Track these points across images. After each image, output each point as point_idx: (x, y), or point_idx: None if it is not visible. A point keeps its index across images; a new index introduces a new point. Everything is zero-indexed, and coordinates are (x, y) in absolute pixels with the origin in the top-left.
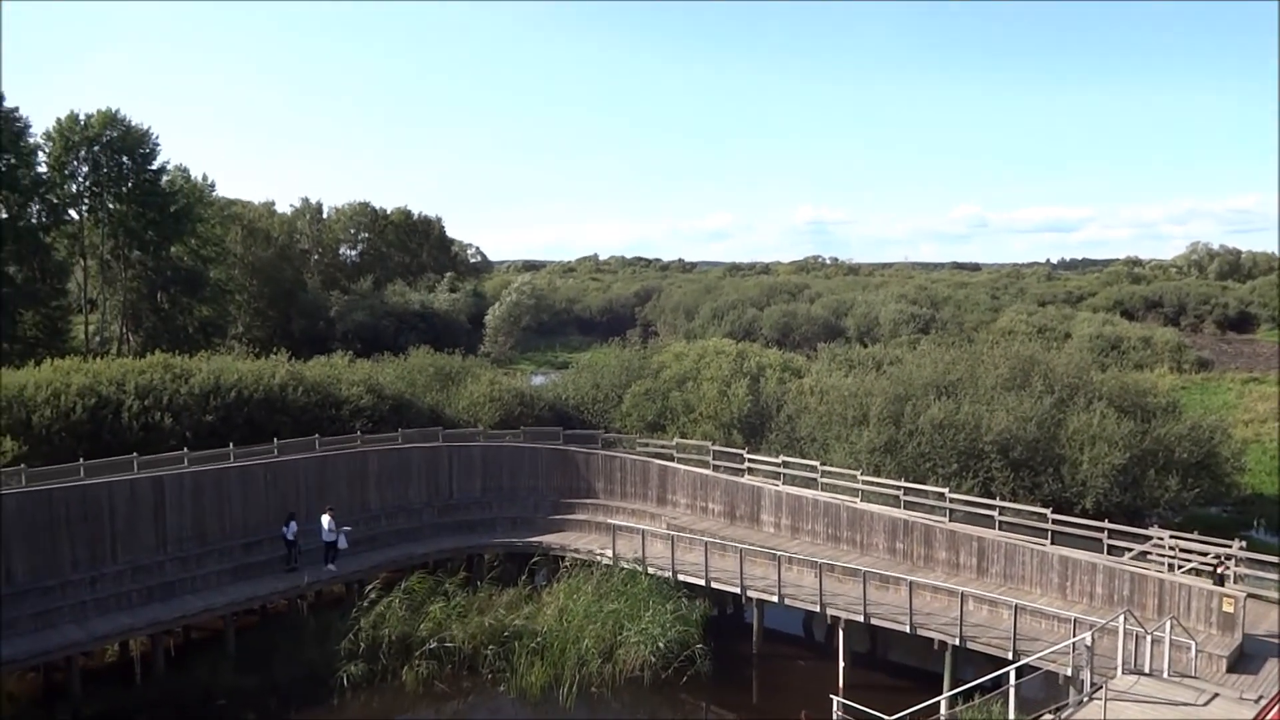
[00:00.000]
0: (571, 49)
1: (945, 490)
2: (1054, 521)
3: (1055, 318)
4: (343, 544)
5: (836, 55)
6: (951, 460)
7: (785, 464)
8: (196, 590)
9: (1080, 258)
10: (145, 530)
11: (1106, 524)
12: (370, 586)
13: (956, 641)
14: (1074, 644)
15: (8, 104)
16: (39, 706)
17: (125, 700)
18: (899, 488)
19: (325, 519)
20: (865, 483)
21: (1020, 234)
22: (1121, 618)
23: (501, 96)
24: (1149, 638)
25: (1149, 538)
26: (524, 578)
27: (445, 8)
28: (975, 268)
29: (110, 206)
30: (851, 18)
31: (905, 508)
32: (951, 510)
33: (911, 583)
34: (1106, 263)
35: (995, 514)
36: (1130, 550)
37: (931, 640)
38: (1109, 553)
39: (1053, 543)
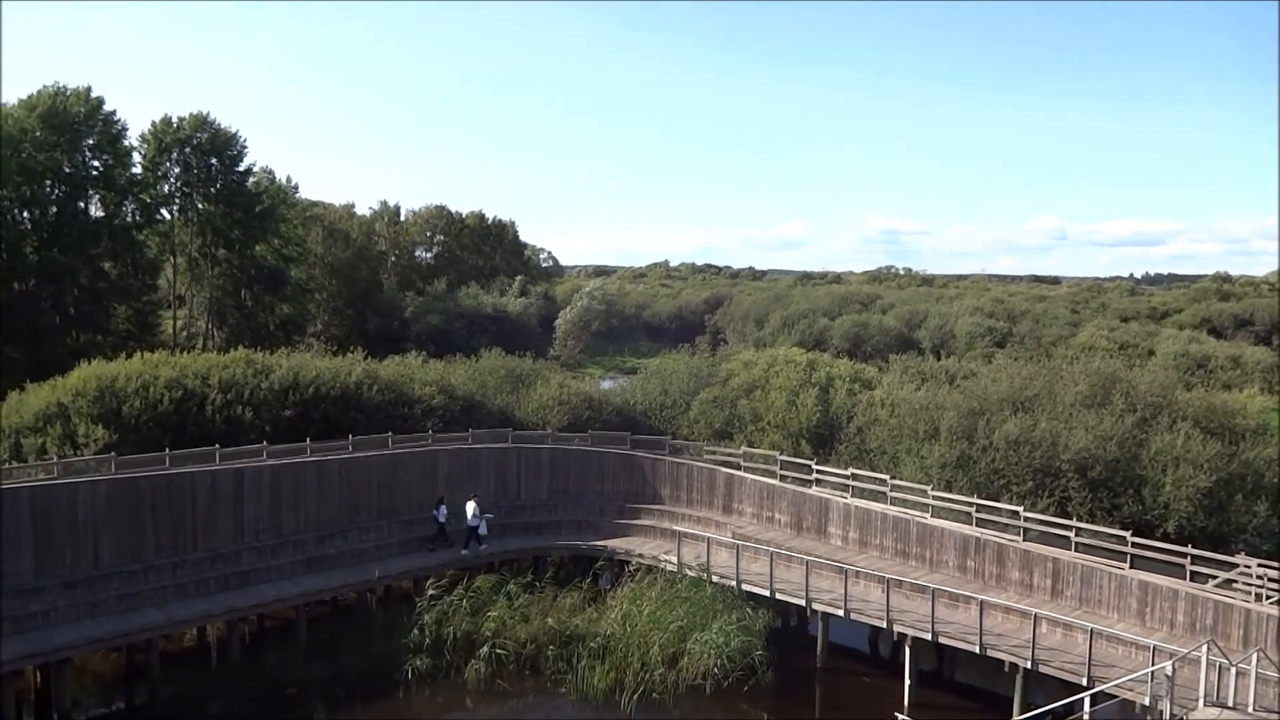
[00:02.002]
0: (646, 60)
1: (1019, 509)
2: (1134, 545)
3: (1138, 334)
4: (483, 530)
5: (914, 66)
6: (1026, 478)
7: (854, 476)
8: (271, 580)
9: (1166, 273)
10: (224, 520)
11: (1190, 549)
12: (437, 583)
13: (1028, 664)
14: (1153, 672)
15: (107, 107)
16: (120, 685)
17: (201, 684)
18: (971, 504)
19: (470, 506)
20: (936, 498)
21: (1102, 247)
22: (1204, 647)
23: (577, 106)
24: (1233, 669)
25: (1235, 565)
26: (588, 581)
27: (521, 20)
28: (1055, 281)
29: (199, 206)
30: (928, 28)
31: (977, 525)
32: (1025, 529)
33: (982, 602)
34: (1194, 278)
35: (1071, 535)
36: (1215, 577)
37: (1002, 662)
38: (1192, 579)
39: (1131, 567)
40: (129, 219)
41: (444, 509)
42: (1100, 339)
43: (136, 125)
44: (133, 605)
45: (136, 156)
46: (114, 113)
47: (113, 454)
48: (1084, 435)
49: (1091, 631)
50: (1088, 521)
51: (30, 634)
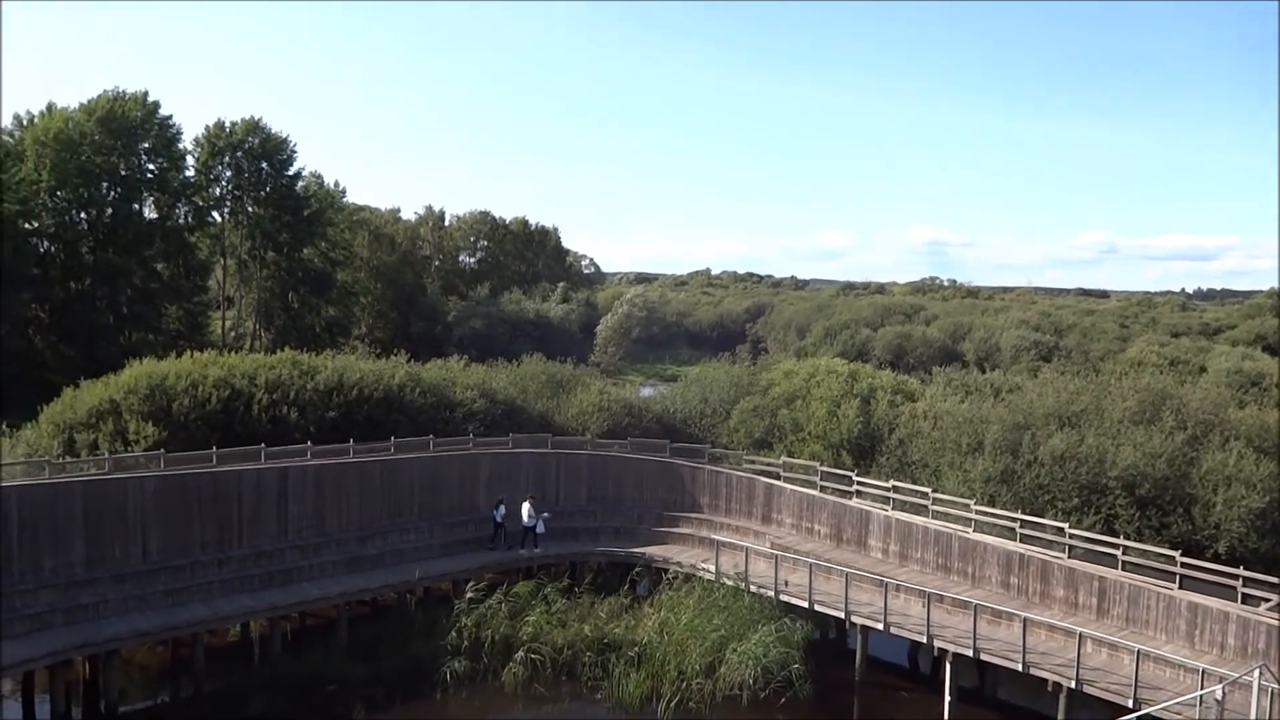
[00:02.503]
0: (690, 68)
1: (1065, 525)
2: (1183, 565)
3: (1190, 350)
4: (540, 529)
5: (963, 77)
6: (1072, 494)
7: (895, 489)
8: (313, 578)
9: (1219, 288)
10: (269, 518)
11: (1242, 571)
12: (475, 586)
13: (1072, 684)
14: (1202, 696)
15: (163, 111)
16: (166, 678)
17: (243, 679)
18: (1015, 519)
19: (526, 506)
20: (979, 512)
21: (1153, 261)
22: (1256, 672)
23: (623, 114)
24: None
25: None
26: (625, 588)
27: (569, 26)
28: (1103, 295)
29: (249, 209)
30: (977, 39)
31: (1021, 541)
32: (1071, 546)
33: (1026, 619)
34: (1248, 294)
35: (1119, 553)
36: (1268, 600)
37: (1045, 681)
38: (1244, 602)
39: (1180, 587)
40: (181, 221)
41: (503, 509)
42: (1150, 354)
43: (190, 129)
44: (179, 600)
45: (190, 160)
46: (169, 117)
47: (162, 451)
48: (1132, 452)
49: (1139, 652)
50: (1135, 540)
51: (82, 625)
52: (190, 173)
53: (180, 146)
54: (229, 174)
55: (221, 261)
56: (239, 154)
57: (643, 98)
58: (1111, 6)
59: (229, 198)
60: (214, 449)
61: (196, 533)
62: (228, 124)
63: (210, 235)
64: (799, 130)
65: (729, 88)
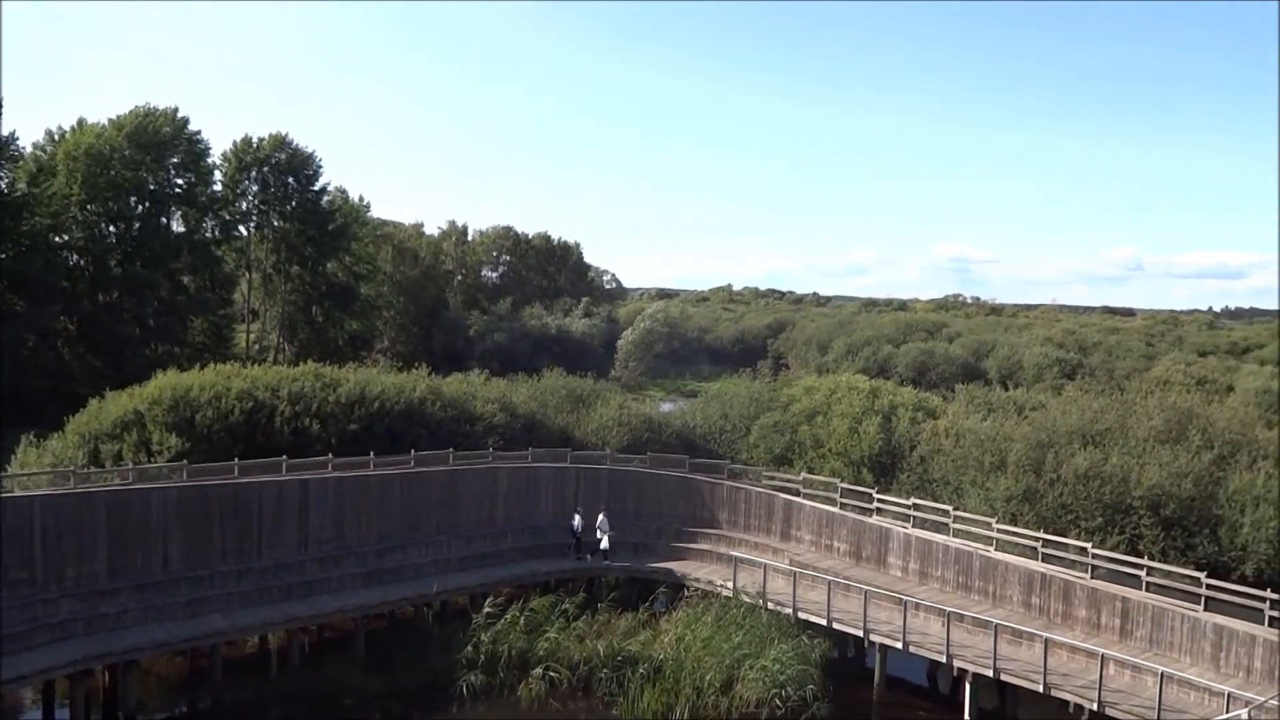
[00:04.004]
0: (715, 87)
1: (1088, 545)
2: (1209, 586)
3: (1217, 369)
4: (605, 544)
5: (990, 95)
6: (1096, 514)
7: (916, 506)
8: (332, 591)
9: (1247, 306)
10: (289, 530)
11: (1269, 593)
12: (493, 601)
13: (1094, 706)
14: None
15: (192, 127)
16: (184, 689)
17: (262, 691)
18: (1037, 539)
19: (601, 518)
20: (1000, 531)
21: (1180, 279)
22: None
23: (649, 131)
24: None
25: None
26: (643, 603)
27: (592, 45)
28: (1129, 313)
29: (275, 223)
30: (1004, 58)
31: (1043, 560)
32: (1094, 567)
33: (1047, 639)
34: (1278, 313)
35: (1143, 574)
36: None
37: (1066, 703)
38: (1270, 624)
39: (1206, 609)
40: (208, 235)
41: (578, 519)
42: (1176, 373)
43: (218, 144)
44: (199, 610)
45: (217, 175)
46: (198, 132)
47: (185, 462)
48: (1157, 471)
49: (1162, 675)
50: (1160, 561)
51: (102, 634)
52: (218, 187)
53: (208, 161)
54: (255, 188)
55: (247, 275)
56: (265, 169)
57: (668, 114)
58: (1142, 20)
59: (255, 212)
60: (236, 460)
61: (217, 543)
62: (255, 139)
63: (236, 249)
64: (825, 147)
65: (755, 104)
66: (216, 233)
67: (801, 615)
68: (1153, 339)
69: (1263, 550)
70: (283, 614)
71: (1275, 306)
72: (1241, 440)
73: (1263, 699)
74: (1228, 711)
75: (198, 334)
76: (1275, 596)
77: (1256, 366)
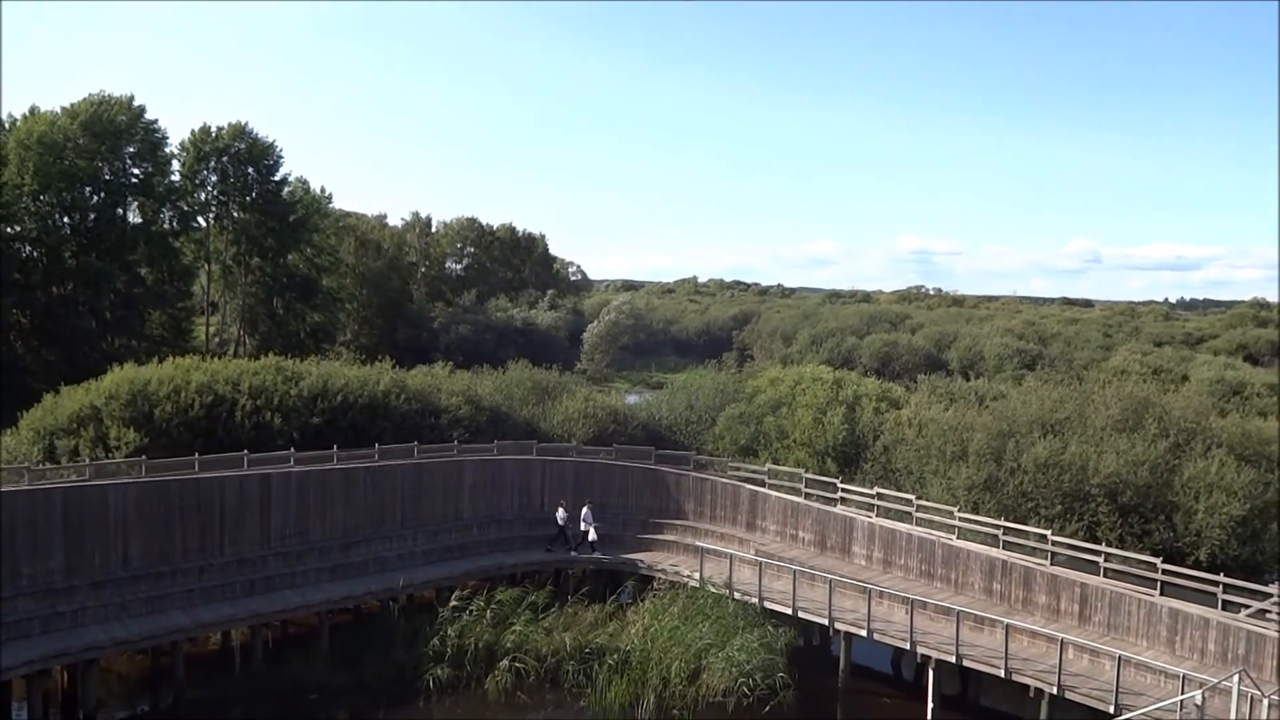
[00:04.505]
0: (681, 83)
1: (1047, 532)
2: (1164, 571)
3: (1172, 359)
4: (592, 535)
5: (951, 88)
6: (1055, 501)
7: (879, 496)
8: (296, 586)
9: (1202, 298)
10: (251, 525)
11: (1222, 578)
12: (459, 594)
13: (1054, 690)
14: (1182, 701)
15: (148, 115)
16: (145, 688)
17: (224, 688)
18: (998, 527)
19: (585, 510)
20: (962, 520)
21: (1138, 271)
22: (1236, 678)
23: (612, 124)
24: (1265, 701)
25: (1269, 595)
26: (610, 595)
27: (556, 40)
28: (1087, 304)
29: (234, 214)
30: (967, 51)
31: (1004, 548)
32: (1053, 553)
33: (1008, 625)
34: (1231, 304)
35: (1100, 560)
36: (1248, 607)
37: (1027, 687)
38: (1224, 608)
39: (1162, 594)
40: (166, 226)
41: (563, 511)
42: (1133, 363)
43: (175, 133)
44: (159, 608)
45: (175, 165)
46: (155, 121)
47: (143, 457)
48: (1115, 460)
49: (1120, 658)
50: (1117, 547)
51: (59, 634)
52: (176, 177)
53: (166, 151)
54: (214, 179)
55: (206, 267)
56: (225, 159)
57: (634, 108)
58: (1099, 18)
59: (214, 203)
60: (196, 455)
61: (178, 540)
62: (214, 129)
63: (195, 240)
64: (790, 140)
65: (722, 99)
66: (174, 224)
67: (767, 605)
68: (1110, 330)
69: (1216, 536)
70: (246, 610)
71: (1229, 298)
72: (1196, 428)
73: (1216, 680)
74: (1183, 693)
75: (156, 327)
76: (1229, 581)
77: (1210, 356)
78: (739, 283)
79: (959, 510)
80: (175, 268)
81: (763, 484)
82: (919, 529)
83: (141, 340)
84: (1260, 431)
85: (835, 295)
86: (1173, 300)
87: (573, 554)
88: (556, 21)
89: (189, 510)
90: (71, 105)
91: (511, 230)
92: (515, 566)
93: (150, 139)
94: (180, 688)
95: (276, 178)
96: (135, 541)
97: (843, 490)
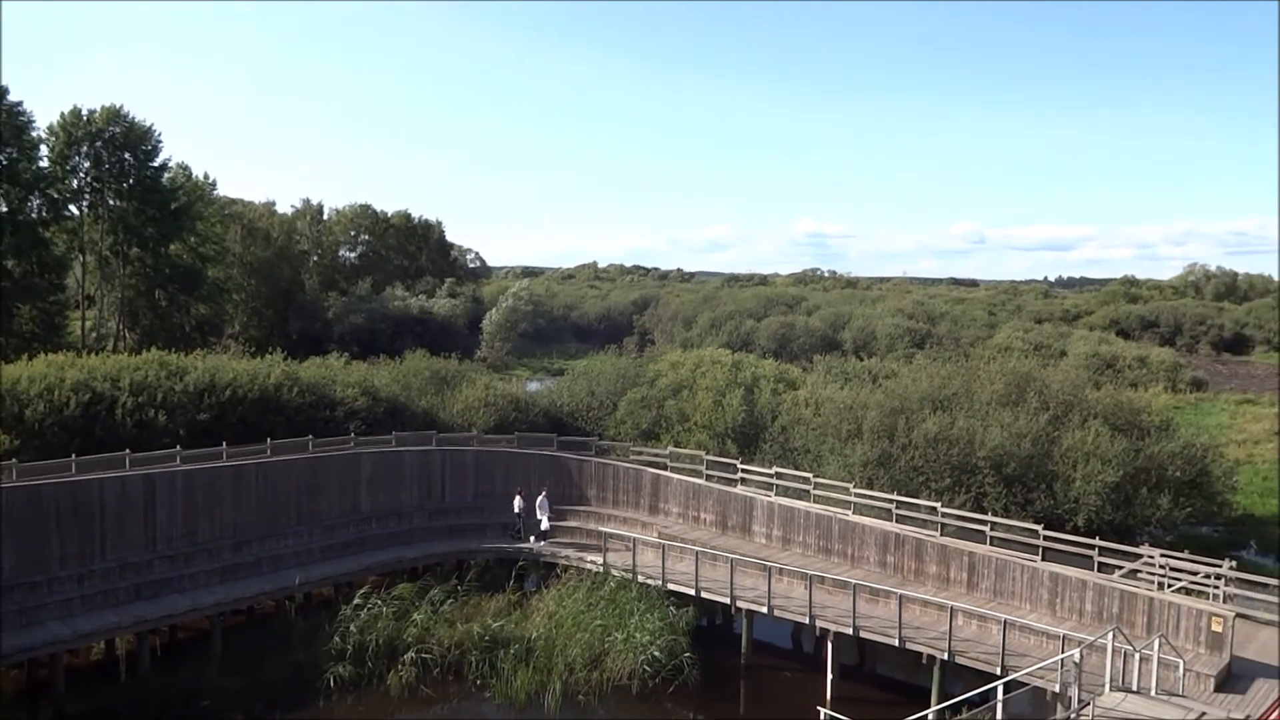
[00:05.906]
0: (576, 66)
1: (938, 505)
2: (1045, 538)
3: (1051, 335)
4: (545, 525)
5: (843, 73)
6: (945, 475)
7: (778, 475)
8: (184, 589)
9: (1078, 276)
10: (135, 528)
11: (1098, 541)
12: (359, 589)
13: (945, 656)
14: (1062, 660)
15: (11, 98)
16: (22, 703)
17: (110, 699)
18: (891, 501)
19: (540, 499)
20: (858, 495)
21: (1020, 251)
22: (1110, 635)
23: (508, 110)
24: (1137, 655)
25: (1139, 556)
26: (513, 584)
27: (450, 22)
28: (973, 284)
29: (111, 203)
30: (858, 35)
31: (897, 521)
32: (943, 525)
33: (901, 596)
34: (1104, 282)
35: (987, 529)
36: (1121, 568)
37: (920, 654)
38: (1099, 570)
39: (1044, 559)
40: (34, 215)
41: (519, 500)
42: (1016, 340)
43: (44, 118)
44: (35, 619)
45: (44, 150)
46: (19, 104)
47: (14, 461)
48: (999, 433)
49: (1005, 622)
50: (1002, 516)
51: None
52: (44, 163)
53: (32, 135)
54: (88, 164)
55: (80, 258)
56: (99, 144)
57: (531, 95)
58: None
59: (88, 190)
60: (73, 457)
61: (54, 547)
62: (85, 112)
63: (67, 230)
64: (686, 127)
65: (617, 86)
66: (44, 213)
67: (671, 586)
68: (994, 308)
69: (1092, 502)
70: (130, 616)
71: (1102, 275)
72: (1074, 400)
73: (1093, 639)
74: (1063, 652)
75: (25, 323)
76: (1103, 544)
77: (1086, 332)
78: (639, 267)
79: (854, 486)
80: (45, 259)
81: (665, 467)
82: (816, 506)
83: (10, 337)
84: (1131, 402)
85: (734, 279)
86: (1051, 279)
87: (530, 542)
88: (445, 4)
89: (66, 515)
90: None
91: (407, 217)
92: (416, 559)
93: (14, 122)
94: (60, 702)
95: (156, 163)
96: (7, 551)
97: (743, 471)
